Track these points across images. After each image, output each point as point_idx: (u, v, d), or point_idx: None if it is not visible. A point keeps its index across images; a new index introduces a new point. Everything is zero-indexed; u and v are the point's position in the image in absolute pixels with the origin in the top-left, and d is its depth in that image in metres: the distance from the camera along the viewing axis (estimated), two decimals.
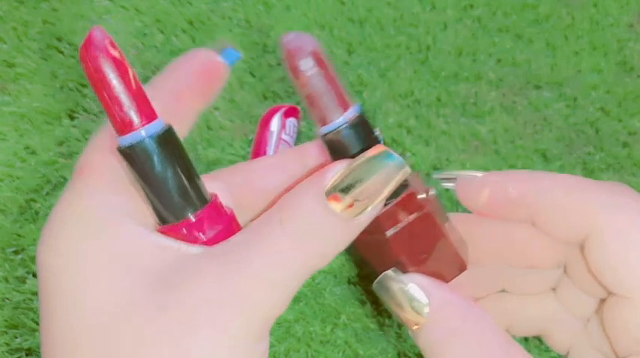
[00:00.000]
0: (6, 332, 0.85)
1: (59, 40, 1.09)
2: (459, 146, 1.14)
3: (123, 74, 0.17)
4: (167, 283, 0.17)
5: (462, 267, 0.22)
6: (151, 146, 0.17)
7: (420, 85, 1.15)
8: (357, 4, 1.19)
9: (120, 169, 0.19)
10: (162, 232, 0.19)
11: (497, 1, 1.23)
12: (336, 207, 0.18)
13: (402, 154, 0.19)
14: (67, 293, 0.17)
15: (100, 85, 0.17)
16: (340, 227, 0.18)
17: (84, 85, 1.06)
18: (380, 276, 0.20)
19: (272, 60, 1.12)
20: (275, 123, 0.97)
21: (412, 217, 0.21)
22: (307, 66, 0.19)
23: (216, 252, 0.18)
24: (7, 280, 0.90)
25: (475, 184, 0.25)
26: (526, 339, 0.92)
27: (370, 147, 0.19)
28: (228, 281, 0.17)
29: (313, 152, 0.22)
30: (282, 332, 0.93)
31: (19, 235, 0.95)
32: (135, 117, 0.18)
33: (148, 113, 0.18)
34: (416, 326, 0.20)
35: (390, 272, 0.20)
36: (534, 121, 1.15)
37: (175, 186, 0.18)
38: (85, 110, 1.06)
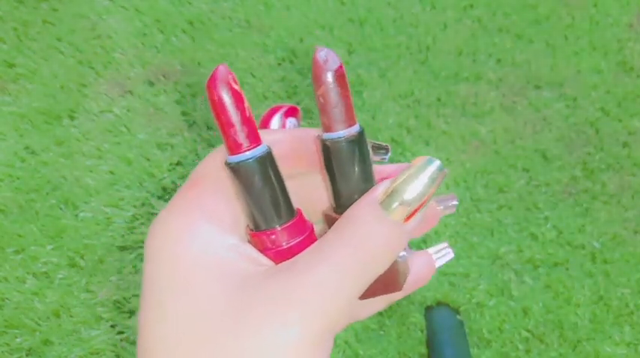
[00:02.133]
0: (6, 332, 0.85)
1: (59, 40, 1.09)
2: (459, 146, 1.14)
3: (239, 105, 0.21)
4: (247, 288, 0.20)
5: (394, 288, 0.25)
6: (254, 166, 0.21)
7: (420, 85, 1.16)
8: (357, 4, 1.19)
9: (224, 183, 0.22)
10: (253, 236, 0.22)
11: (497, 1, 1.23)
12: (389, 212, 0.20)
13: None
14: (167, 291, 0.20)
15: (220, 111, 0.21)
16: (393, 232, 0.20)
17: (84, 85, 1.07)
18: None
19: (272, 60, 1.12)
20: (275, 123, 0.97)
21: None
22: (329, 79, 0.21)
23: (286, 265, 0.21)
24: (7, 280, 0.90)
25: None
26: (531, 336, 0.92)
27: (362, 164, 0.22)
28: (293, 288, 0.19)
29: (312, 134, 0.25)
30: None
31: (19, 235, 0.95)
32: (244, 141, 0.21)
33: (255, 138, 0.21)
34: None
35: None
36: (534, 121, 1.15)
37: (268, 200, 0.22)
38: (85, 110, 1.06)
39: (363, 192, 0.22)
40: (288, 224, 0.22)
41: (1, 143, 0.99)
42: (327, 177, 0.23)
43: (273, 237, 0.22)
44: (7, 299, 0.87)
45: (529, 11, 1.22)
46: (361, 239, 0.20)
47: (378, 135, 1.05)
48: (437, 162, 0.21)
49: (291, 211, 0.23)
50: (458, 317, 0.90)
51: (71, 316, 0.85)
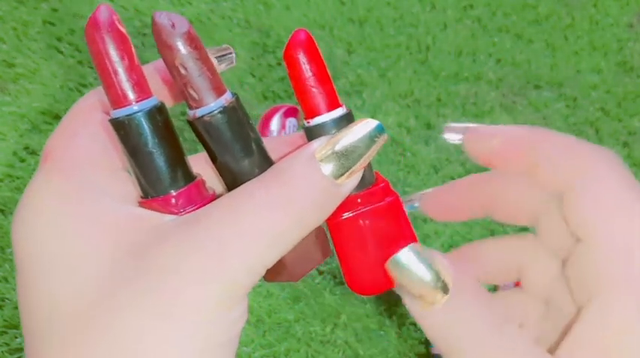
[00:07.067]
0: (6, 332, 0.85)
1: (59, 40, 1.09)
2: (459, 146, 1.12)
3: (126, 49, 0.17)
4: (142, 250, 0.17)
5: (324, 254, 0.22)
6: (142, 121, 0.18)
7: (420, 85, 1.15)
8: (357, 4, 1.19)
9: (87, 151, 0.19)
10: (143, 204, 0.19)
11: (497, 1, 1.23)
12: (326, 168, 0.18)
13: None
14: (47, 265, 0.18)
15: (102, 57, 0.17)
16: (327, 189, 0.18)
17: (84, 85, 1.06)
18: (402, 251, 0.20)
19: (272, 60, 1.12)
20: (275, 123, 0.97)
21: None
22: (183, 44, 0.18)
23: (188, 218, 0.18)
24: (7, 280, 0.90)
25: (485, 134, 0.26)
26: None
27: (248, 132, 0.19)
28: (193, 245, 0.17)
29: (299, 142, 0.21)
30: (282, 332, 0.93)
31: None
32: (130, 92, 0.18)
33: (143, 90, 0.18)
34: (431, 306, 0.20)
35: (414, 246, 0.21)
36: (534, 121, 1.15)
37: (161, 162, 0.18)
38: None
39: (257, 164, 0.19)
40: (184, 189, 0.19)
41: (0, 143, 0.99)
42: (210, 159, 0.20)
43: (173, 200, 0.18)
44: (7, 299, 0.88)
45: (529, 11, 1.22)
46: (290, 195, 0.18)
47: None
48: (377, 122, 0.19)
49: (189, 175, 0.19)
50: None
51: None
